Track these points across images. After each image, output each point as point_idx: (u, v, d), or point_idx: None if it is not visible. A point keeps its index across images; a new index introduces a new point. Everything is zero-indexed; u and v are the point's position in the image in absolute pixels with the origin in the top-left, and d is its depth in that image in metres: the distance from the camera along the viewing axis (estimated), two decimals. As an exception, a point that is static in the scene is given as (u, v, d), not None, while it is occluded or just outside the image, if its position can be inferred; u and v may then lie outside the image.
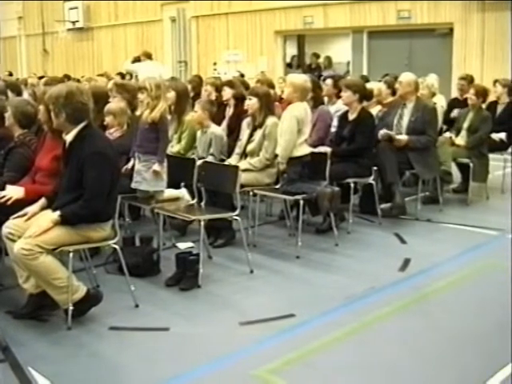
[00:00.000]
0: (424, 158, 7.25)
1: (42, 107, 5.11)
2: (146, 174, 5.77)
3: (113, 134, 6.20)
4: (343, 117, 7.20)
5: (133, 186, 5.85)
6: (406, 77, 7.53)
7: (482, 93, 8.23)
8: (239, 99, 7.60)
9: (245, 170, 6.22)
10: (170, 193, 5.90)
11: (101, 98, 6.32)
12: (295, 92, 6.35)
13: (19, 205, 4.70)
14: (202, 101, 6.99)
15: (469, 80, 9.34)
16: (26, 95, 8.36)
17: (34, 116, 5.39)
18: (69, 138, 4.51)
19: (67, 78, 12.01)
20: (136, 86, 6.70)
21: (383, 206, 7.13)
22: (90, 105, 4.56)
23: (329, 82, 8.02)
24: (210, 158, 6.63)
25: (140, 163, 5.81)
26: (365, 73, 13.68)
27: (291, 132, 6.23)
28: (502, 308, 4.86)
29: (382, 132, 7.20)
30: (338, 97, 7.67)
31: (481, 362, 4.01)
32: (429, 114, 7.36)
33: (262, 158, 6.51)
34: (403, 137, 7.22)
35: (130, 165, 5.95)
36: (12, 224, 4.51)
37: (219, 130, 6.94)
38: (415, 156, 7.20)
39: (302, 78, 6.60)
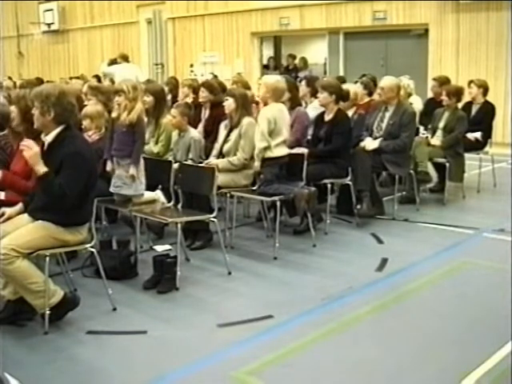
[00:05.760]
0: (395, 158, 7.32)
1: (15, 110, 5.07)
2: (127, 179, 5.76)
3: (91, 136, 6.16)
4: (320, 118, 7.22)
5: (113, 190, 5.85)
6: (388, 82, 7.54)
7: (454, 93, 8.28)
8: (216, 101, 7.61)
9: (222, 171, 6.23)
10: (146, 195, 5.89)
11: (76, 101, 6.29)
12: (267, 92, 6.43)
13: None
14: (181, 105, 6.92)
15: (441, 81, 9.37)
16: (0, 98, 8.28)
17: (8, 119, 5.34)
18: (48, 138, 4.48)
19: (40, 81, 11.86)
20: (110, 88, 6.67)
21: (358, 207, 7.15)
22: (76, 107, 4.56)
23: (303, 83, 8.11)
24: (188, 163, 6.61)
25: (120, 168, 5.81)
26: (341, 74, 13.71)
27: (261, 132, 6.28)
28: (479, 306, 4.91)
29: (362, 144, 7.36)
30: (312, 95, 7.75)
31: (458, 359, 4.04)
32: (407, 118, 7.39)
33: (240, 156, 6.51)
34: (374, 144, 7.31)
35: (108, 167, 5.90)
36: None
37: (197, 135, 6.91)
38: (387, 157, 7.28)
39: (274, 79, 6.69)
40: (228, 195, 6.43)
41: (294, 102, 7.40)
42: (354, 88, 8.32)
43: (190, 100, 8.36)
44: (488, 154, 8.88)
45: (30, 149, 4.34)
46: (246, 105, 6.73)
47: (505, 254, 5.88)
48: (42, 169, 4.34)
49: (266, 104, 6.57)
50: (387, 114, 7.50)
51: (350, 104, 7.92)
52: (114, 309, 4.85)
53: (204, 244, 6.36)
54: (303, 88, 8.03)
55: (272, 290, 5.34)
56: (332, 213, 7.16)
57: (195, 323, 4.66)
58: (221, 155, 6.69)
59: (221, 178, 6.05)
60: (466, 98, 8.94)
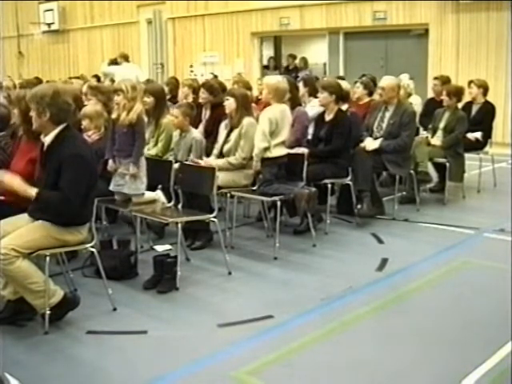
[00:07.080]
0: (396, 157, 7.33)
1: (16, 110, 5.07)
2: (128, 178, 5.77)
3: (91, 136, 6.16)
4: (320, 118, 7.22)
5: (114, 189, 5.86)
6: (389, 81, 7.55)
7: (455, 93, 8.28)
8: (216, 102, 7.61)
9: (221, 170, 6.22)
10: (146, 195, 5.89)
11: (74, 101, 6.28)
12: (269, 93, 6.42)
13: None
14: (183, 105, 6.90)
15: (443, 80, 9.40)
16: (0, 98, 8.28)
17: (8, 119, 5.34)
18: (48, 139, 4.46)
19: (39, 81, 11.84)
20: (110, 88, 6.67)
21: (359, 206, 7.15)
22: (73, 106, 4.54)
23: (300, 84, 8.10)
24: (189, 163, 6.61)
25: (122, 166, 5.82)
26: (341, 74, 13.70)
27: (262, 132, 6.27)
28: (479, 306, 4.91)
29: (362, 144, 7.35)
30: (310, 95, 7.74)
31: (458, 359, 4.04)
32: (407, 117, 7.40)
33: (239, 156, 6.51)
34: (374, 144, 7.32)
35: (111, 167, 5.91)
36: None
37: (199, 135, 6.90)
38: (388, 157, 7.29)
39: (275, 79, 6.68)
40: (228, 195, 6.42)
41: (295, 102, 7.39)
42: (344, 84, 8.22)
43: (190, 100, 8.35)
44: (488, 154, 8.88)
45: (11, 182, 4.37)
46: (247, 105, 6.74)
47: (505, 254, 5.88)
48: (32, 192, 4.34)
49: (267, 105, 6.56)
50: (387, 114, 7.51)
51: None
52: (114, 309, 4.85)
53: (204, 244, 6.36)
54: (301, 88, 8.02)
55: (272, 289, 5.34)
56: (332, 213, 7.16)
57: (195, 323, 4.66)
58: (221, 155, 6.69)
59: (221, 178, 6.05)
60: (466, 98, 8.95)
